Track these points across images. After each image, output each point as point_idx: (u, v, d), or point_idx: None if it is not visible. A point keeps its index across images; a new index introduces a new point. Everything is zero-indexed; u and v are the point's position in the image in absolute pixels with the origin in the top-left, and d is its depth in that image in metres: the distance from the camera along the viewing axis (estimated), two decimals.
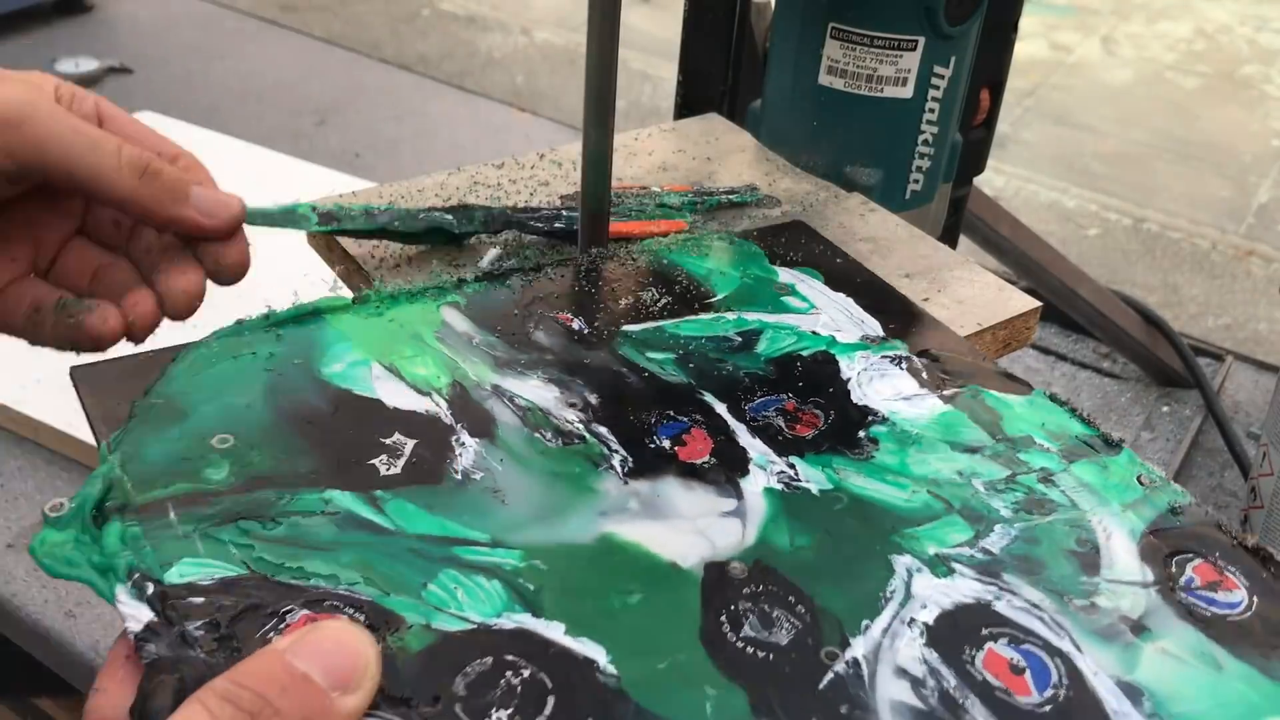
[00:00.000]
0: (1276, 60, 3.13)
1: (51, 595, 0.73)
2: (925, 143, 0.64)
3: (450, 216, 0.54)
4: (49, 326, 0.42)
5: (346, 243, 0.54)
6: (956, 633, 0.35)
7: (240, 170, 1.17)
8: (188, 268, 0.43)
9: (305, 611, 0.33)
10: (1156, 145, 2.65)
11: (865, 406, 0.44)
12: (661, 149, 0.65)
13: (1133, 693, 0.34)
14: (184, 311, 0.43)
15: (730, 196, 0.60)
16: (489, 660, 0.32)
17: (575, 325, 0.48)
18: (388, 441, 0.40)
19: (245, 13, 1.66)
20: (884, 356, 0.47)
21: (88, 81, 1.37)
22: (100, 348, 0.42)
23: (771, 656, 0.34)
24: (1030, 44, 3.08)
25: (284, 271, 0.55)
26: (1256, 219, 2.36)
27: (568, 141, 0.65)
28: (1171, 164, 2.57)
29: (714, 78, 0.75)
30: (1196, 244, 2.24)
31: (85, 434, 0.79)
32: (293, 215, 0.49)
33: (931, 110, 0.63)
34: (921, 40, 0.60)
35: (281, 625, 0.33)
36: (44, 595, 0.73)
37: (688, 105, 0.77)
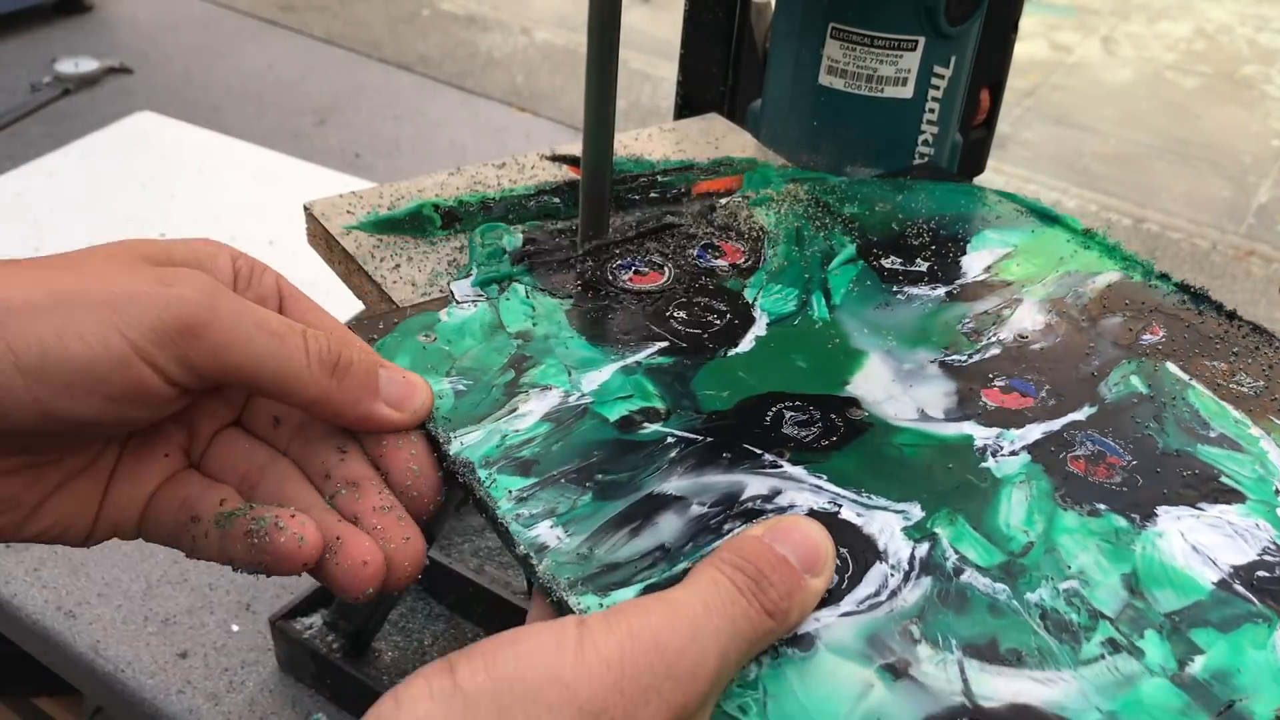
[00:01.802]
0: (1276, 60, 3.12)
1: (51, 595, 0.73)
2: (925, 143, 0.64)
3: (558, 200, 0.55)
4: (213, 540, 0.36)
5: (347, 242, 0.54)
6: None
7: (240, 170, 1.17)
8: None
9: None
10: (1156, 145, 2.65)
11: None
12: (661, 149, 0.65)
13: None
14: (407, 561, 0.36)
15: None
16: None
17: None
18: None
19: (245, 13, 1.67)
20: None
21: (88, 81, 1.37)
22: (292, 572, 0.34)
23: None
24: (1030, 44, 3.08)
25: (283, 269, 0.55)
26: (1256, 219, 2.36)
27: (568, 141, 0.65)
28: (1171, 164, 2.57)
29: (714, 78, 0.75)
30: (1196, 244, 2.24)
31: None
32: (418, 218, 0.53)
33: (931, 110, 0.63)
34: (921, 40, 0.60)
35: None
36: (44, 595, 0.73)
37: (688, 105, 0.77)
